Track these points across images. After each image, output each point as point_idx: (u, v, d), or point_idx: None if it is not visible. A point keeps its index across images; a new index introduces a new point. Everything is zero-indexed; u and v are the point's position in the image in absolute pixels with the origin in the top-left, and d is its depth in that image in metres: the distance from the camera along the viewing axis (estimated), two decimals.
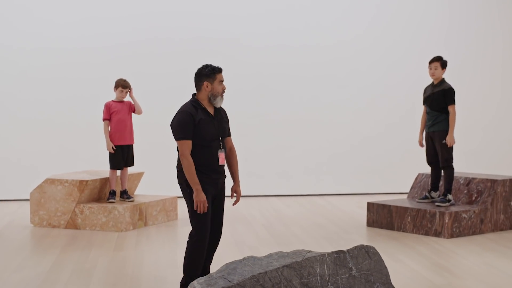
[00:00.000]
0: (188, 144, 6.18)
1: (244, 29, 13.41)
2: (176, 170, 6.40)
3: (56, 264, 7.85)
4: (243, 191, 13.29)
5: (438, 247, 8.83)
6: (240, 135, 13.39)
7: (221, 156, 6.37)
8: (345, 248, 8.64)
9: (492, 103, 14.36)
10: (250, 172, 13.44)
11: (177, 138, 6.20)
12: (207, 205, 6.20)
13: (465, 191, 10.20)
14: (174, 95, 13.01)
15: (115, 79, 10.50)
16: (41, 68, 12.87)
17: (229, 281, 5.08)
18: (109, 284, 7.03)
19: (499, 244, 9.09)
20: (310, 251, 5.43)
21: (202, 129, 6.22)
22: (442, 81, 9.86)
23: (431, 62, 9.89)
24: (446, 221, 9.40)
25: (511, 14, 14.39)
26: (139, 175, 11.24)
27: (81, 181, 10.12)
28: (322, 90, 13.67)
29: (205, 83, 6.29)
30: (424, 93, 10.08)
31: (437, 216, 9.50)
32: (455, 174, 10.46)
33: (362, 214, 11.23)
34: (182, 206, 11.90)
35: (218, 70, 6.32)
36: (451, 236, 9.45)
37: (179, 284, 6.91)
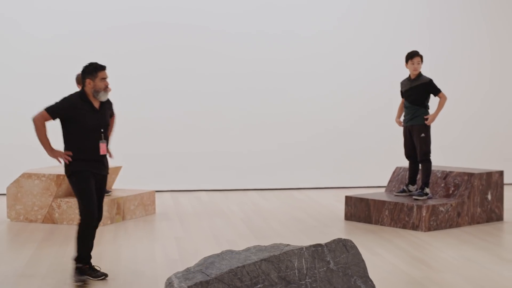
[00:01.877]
0: (46, 118, 6.71)
1: (218, 22, 13.39)
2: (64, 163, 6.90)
3: (33, 259, 7.80)
4: (223, 185, 13.34)
5: (416, 240, 8.86)
6: (219, 129, 13.39)
7: (102, 146, 6.87)
8: (323, 241, 8.65)
9: (473, 98, 14.41)
10: (229, 166, 13.44)
11: (46, 108, 6.74)
12: (64, 156, 6.76)
13: (442, 185, 10.25)
14: (153, 89, 13.00)
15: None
16: (19, 60, 12.77)
17: (207, 275, 5.07)
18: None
19: (476, 237, 9.14)
20: (288, 245, 5.44)
21: (84, 121, 6.75)
22: (420, 74, 9.91)
23: (413, 56, 9.91)
24: (424, 214, 9.44)
25: (495, 7, 14.45)
26: (117, 169, 11.19)
27: (58, 176, 10.06)
28: (301, 84, 13.67)
29: (88, 80, 6.83)
30: (402, 86, 10.13)
31: (415, 209, 9.53)
32: (432, 168, 10.51)
33: (340, 208, 11.25)
34: (160, 200, 11.88)
35: (100, 68, 6.86)
36: (429, 229, 9.49)
37: (157, 278, 6.97)
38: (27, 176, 10.16)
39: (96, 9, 12.97)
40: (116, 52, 12.96)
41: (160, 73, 13.12)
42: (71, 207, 9.93)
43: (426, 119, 9.82)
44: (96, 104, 6.86)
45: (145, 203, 10.70)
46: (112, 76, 11.84)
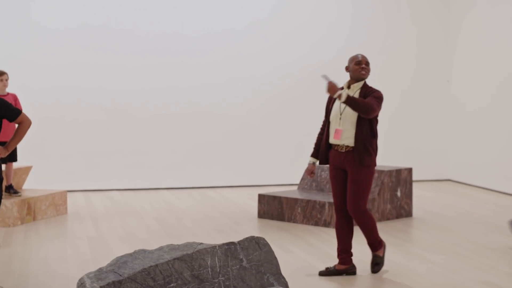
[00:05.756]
0: None
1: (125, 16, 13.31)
2: None
3: None
4: (135, 184, 13.25)
5: (327, 237, 8.99)
6: (131, 128, 13.29)
7: None
8: (236, 240, 8.70)
9: (396, 98, 14.64)
10: (141, 165, 13.35)
11: None
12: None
13: None
14: (63, 87, 12.83)
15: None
16: None
17: (120, 275, 5.05)
18: None
19: (386, 233, 9.32)
20: (201, 243, 5.46)
21: None
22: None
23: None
24: None
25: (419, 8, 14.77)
26: (27, 169, 11.01)
27: None
28: (214, 82, 13.69)
29: None
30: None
31: (326, 206, 9.66)
32: None
33: (253, 206, 11.32)
34: (72, 200, 11.74)
35: None
36: None
37: (69, 279, 6.89)
38: None
39: None
40: (19, 55, 12.76)
41: (68, 72, 12.95)
42: None
43: None
44: None
45: (56, 203, 10.55)
46: (18, 76, 11.67)
